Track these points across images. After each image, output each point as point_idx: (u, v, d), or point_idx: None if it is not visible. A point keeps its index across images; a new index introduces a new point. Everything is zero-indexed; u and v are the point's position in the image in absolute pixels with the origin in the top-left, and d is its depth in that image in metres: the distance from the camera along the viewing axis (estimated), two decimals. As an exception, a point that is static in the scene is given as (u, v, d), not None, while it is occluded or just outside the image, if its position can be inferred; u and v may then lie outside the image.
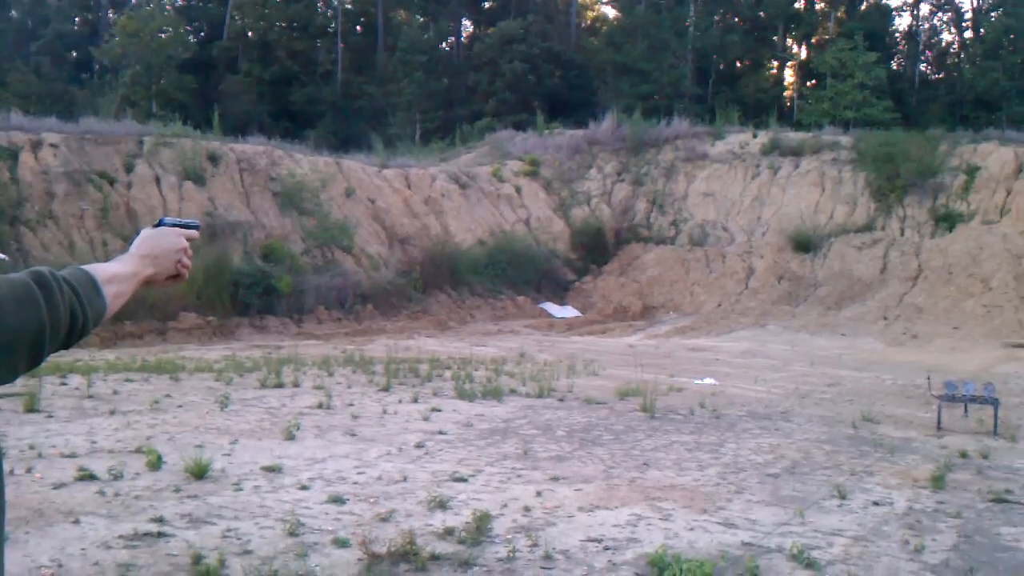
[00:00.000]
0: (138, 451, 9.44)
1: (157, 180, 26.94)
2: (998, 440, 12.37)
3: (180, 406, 12.48)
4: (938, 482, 9.53)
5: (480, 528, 7.19)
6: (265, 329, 25.09)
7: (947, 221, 33.39)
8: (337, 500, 7.98)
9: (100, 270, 2.01)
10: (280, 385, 14.91)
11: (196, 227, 2.30)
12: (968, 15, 58.67)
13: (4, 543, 1.85)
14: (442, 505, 7.90)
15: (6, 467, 8.01)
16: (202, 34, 61.84)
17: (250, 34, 60.57)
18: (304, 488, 8.40)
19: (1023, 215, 32.14)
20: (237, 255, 25.83)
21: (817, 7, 60.59)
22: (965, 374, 18.23)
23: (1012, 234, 31.50)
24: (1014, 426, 13.27)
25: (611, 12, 67.61)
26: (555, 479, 9.14)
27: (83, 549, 6.40)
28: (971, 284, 30.18)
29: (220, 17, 60.17)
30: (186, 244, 2.24)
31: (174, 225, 2.25)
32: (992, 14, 55.10)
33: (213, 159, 28.74)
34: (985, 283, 29.97)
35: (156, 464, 8.81)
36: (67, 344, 1.90)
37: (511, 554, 6.69)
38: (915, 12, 61.18)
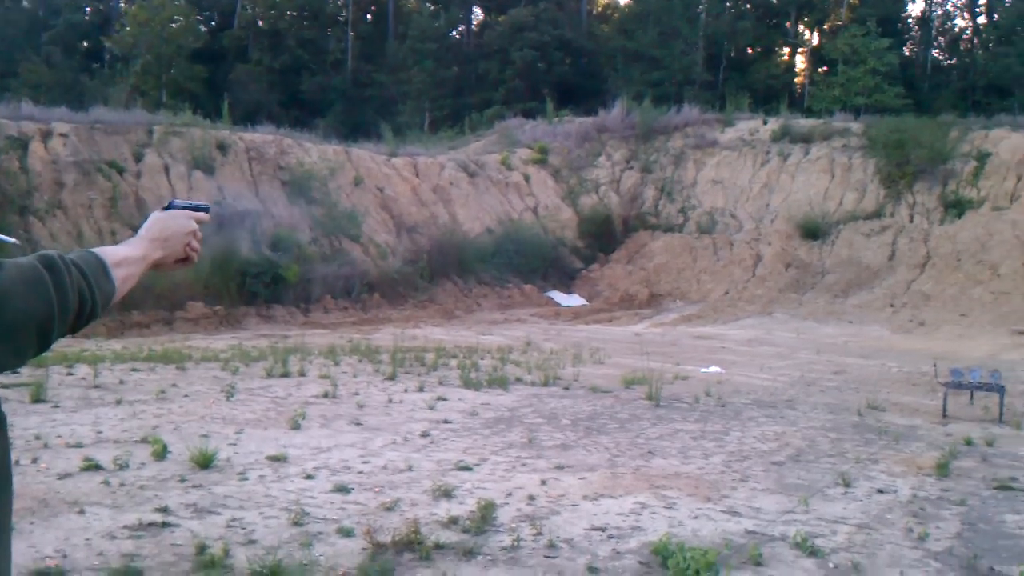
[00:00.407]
0: (144, 441, 9.48)
1: (166, 169, 27.01)
2: (1004, 427, 12.36)
3: (186, 396, 12.52)
4: (943, 470, 9.53)
5: (485, 517, 7.21)
6: (272, 318, 25.14)
7: (956, 208, 33.27)
8: (342, 489, 8.01)
9: (109, 253, 2.00)
10: (286, 374, 14.94)
11: (207, 209, 2.29)
12: (982, 0, 58.25)
13: (10, 533, 1.86)
14: (447, 494, 7.92)
15: (12, 457, 8.05)
16: (213, 23, 61.86)
17: (260, 23, 60.56)
18: (309, 477, 8.43)
19: (1033, 202, 32.02)
20: (245, 244, 25.87)
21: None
22: (972, 361, 18.18)
23: (1022, 221, 31.37)
24: (1020, 413, 13.24)
25: (622, -1, 67.45)
26: (560, 468, 9.15)
27: (88, 539, 6.44)
28: (979, 271, 30.07)
29: (231, 6, 60.20)
30: (196, 227, 2.22)
31: (184, 207, 2.24)
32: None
33: (222, 148, 28.79)
34: (994, 270, 29.85)
35: (161, 454, 8.85)
36: (75, 328, 1.89)
37: (515, 543, 6.72)
38: (928, -3, 60.82)
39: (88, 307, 1.87)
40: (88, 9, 63.02)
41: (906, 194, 34.48)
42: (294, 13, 60.45)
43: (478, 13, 66.94)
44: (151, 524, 6.84)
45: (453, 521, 7.18)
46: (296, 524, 6.98)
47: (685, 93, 49.35)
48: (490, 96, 54.27)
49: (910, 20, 60.81)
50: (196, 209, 2.23)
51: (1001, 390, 12.99)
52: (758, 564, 6.51)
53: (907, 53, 57.45)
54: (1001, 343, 23.49)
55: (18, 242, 2.18)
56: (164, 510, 7.16)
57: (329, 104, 54.52)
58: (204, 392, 12.85)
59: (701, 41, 55.77)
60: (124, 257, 2.03)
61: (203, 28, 59.76)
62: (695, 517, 7.63)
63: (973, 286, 29.42)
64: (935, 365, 15.80)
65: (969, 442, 11.12)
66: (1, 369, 1.75)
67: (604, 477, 8.87)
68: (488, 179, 36.06)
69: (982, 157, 34.09)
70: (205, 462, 8.57)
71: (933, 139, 34.85)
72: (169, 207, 2.22)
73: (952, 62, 59.53)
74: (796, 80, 60.19)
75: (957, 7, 60.89)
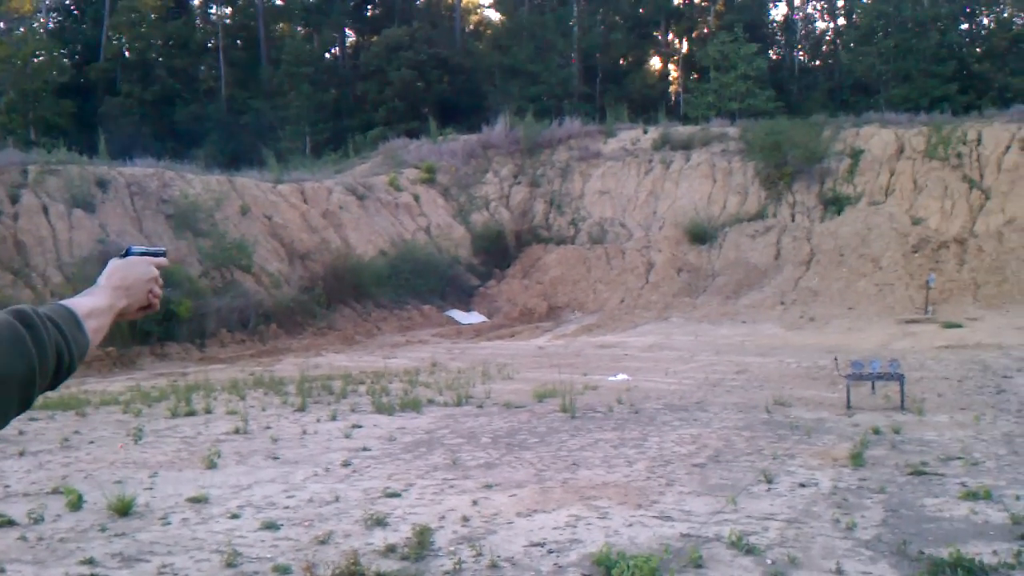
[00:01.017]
0: (56, 492, 9.11)
1: (45, 210, 26.02)
2: (906, 415, 12.80)
3: (92, 442, 12.09)
4: (857, 459, 9.82)
5: (422, 542, 7.15)
6: (167, 356, 24.43)
7: (835, 204, 34.44)
8: (271, 526, 7.84)
9: (79, 305, 1.93)
10: (192, 413, 14.55)
11: (163, 254, 2.23)
12: (840, 2, 60.53)
13: None
14: (379, 522, 7.82)
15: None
16: (77, 57, 59.95)
17: (127, 54, 59.01)
18: (235, 517, 8.22)
19: (907, 194, 33.38)
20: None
21: (696, 1, 61.82)
22: (864, 353, 18.81)
23: (898, 213, 32.69)
24: (919, 400, 13.75)
25: (495, 15, 67.94)
26: (488, 487, 9.13)
27: (14, 599, 6.16)
28: (862, 264, 31.14)
29: (96, 38, 58.48)
30: (157, 273, 2.16)
31: (142, 254, 2.17)
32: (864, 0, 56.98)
33: (102, 184, 27.89)
34: (875, 262, 30.96)
35: (77, 504, 8.52)
36: (53, 384, 1.82)
37: (457, 566, 6.68)
38: (790, 2, 63.00)
39: (65, 362, 1.81)
40: (-56, 47, 60.50)
41: (786, 194, 35.54)
42: (162, 43, 59.08)
43: (351, 35, 66.56)
44: (79, 578, 6.59)
45: (391, 549, 7.10)
46: (230, 565, 6.81)
47: (564, 106, 49.94)
48: (371, 117, 53.98)
49: (774, 24, 62.91)
50: (153, 255, 2.18)
51: (901, 379, 13.47)
52: (699, 567, 6.61)
53: (774, 57, 59.29)
54: (889, 333, 24.38)
55: None
56: (90, 562, 6.90)
57: (205, 133, 53.33)
58: (110, 437, 12.42)
59: (576, 54, 56.55)
60: (93, 308, 1.97)
61: (67, 62, 57.87)
62: (629, 525, 7.70)
63: (857, 279, 30.46)
64: (836, 358, 16.30)
65: (877, 431, 11.49)
66: None
67: (534, 492, 8.88)
68: (377, 201, 35.82)
69: (855, 154, 35.40)
70: (124, 509, 8.29)
71: (807, 139, 36.03)
72: (127, 254, 2.16)
73: (818, 64, 61.72)
74: (671, 89, 61.51)
75: (818, 10, 63.26)
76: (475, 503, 8.47)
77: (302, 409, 14.64)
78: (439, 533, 7.50)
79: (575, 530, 7.58)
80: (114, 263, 2.13)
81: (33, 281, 23.78)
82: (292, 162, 42.46)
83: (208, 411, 14.72)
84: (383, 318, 30.38)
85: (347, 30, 65.84)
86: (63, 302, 1.92)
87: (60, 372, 1.81)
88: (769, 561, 6.70)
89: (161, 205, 28.96)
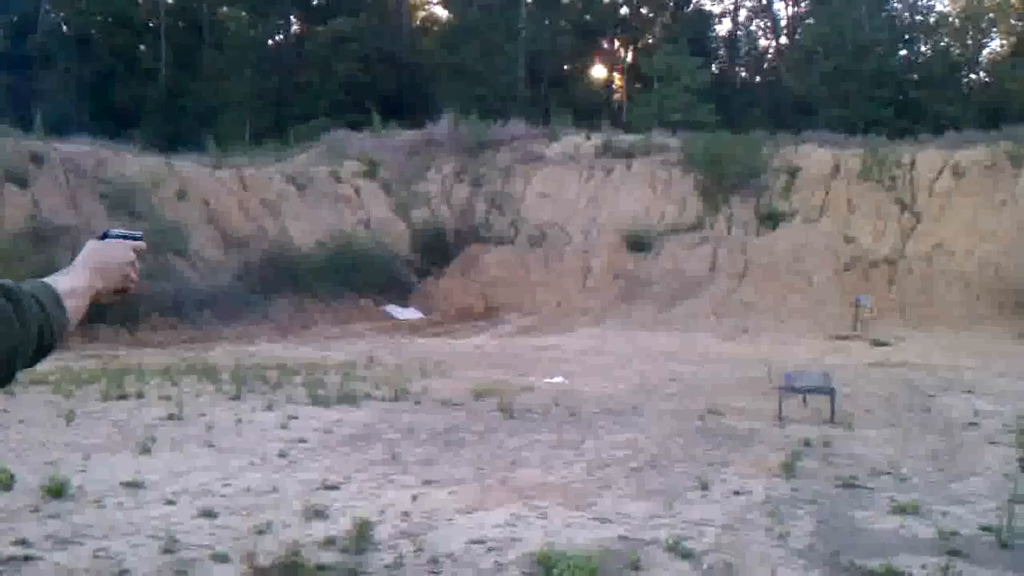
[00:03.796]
0: (-15, 470, 8.92)
1: (-25, 182, 25.42)
2: (836, 428, 13.07)
3: (21, 421, 11.84)
4: (789, 470, 10.02)
5: (362, 536, 7.15)
6: (97, 338, 23.88)
7: (771, 220, 34.95)
8: (208, 514, 7.77)
9: (59, 283, 1.91)
10: (124, 397, 14.32)
11: (141, 238, 2.22)
12: (784, 22, 61.66)
13: None
14: (318, 514, 7.81)
15: None
16: (12, 28, 58.41)
17: (65, 28, 57.75)
18: (170, 503, 8.15)
19: (841, 213, 34.01)
20: (64, 261, 24.51)
21: (642, 12, 62.42)
22: (795, 366, 19.12)
23: (831, 232, 33.30)
24: (848, 414, 14.04)
25: (443, 13, 67.77)
26: (427, 482, 9.15)
27: (-55, 578, 6.04)
28: (795, 280, 31.69)
29: (34, 10, 57.12)
30: (134, 257, 2.15)
31: (120, 237, 2.16)
32: (807, 20, 58.01)
33: (36, 160, 27.24)
34: (808, 279, 31.53)
35: (8, 483, 8.36)
36: (33, 362, 1.80)
37: (398, 560, 6.70)
38: (735, 19, 63.96)
39: (47, 340, 1.80)
40: None
41: (723, 207, 35.97)
42: (102, 19, 57.90)
43: (297, 23, 65.87)
44: (12, 558, 6.49)
45: (330, 542, 7.10)
46: (167, 552, 6.76)
47: (509, 108, 49.96)
48: (313, 107, 53.40)
49: (718, 40, 63.73)
50: (131, 239, 2.18)
51: (832, 392, 13.75)
52: (637, 569, 6.71)
53: (716, 72, 60.06)
54: (820, 348, 24.82)
55: None
56: (23, 543, 6.79)
57: (143, 114, 52.47)
58: (40, 417, 12.17)
59: (523, 57, 56.68)
60: (73, 288, 1.96)
61: (2, 32, 56.41)
62: (568, 525, 7.78)
63: (790, 294, 30.99)
64: (769, 370, 16.55)
65: (808, 443, 11.71)
66: None
67: (473, 490, 8.93)
68: (318, 192, 35.50)
69: (792, 172, 35.97)
70: (57, 490, 8.17)
71: (746, 155, 36.50)
72: (104, 236, 2.15)
73: (759, 81, 62.72)
74: (615, 97, 61.98)
75: (761, 28, 64.30)
76: (415, 498, 8.48)
77: (237, 398, 14.49)
78: (379, 527, 7.50)
79: (515, 529, 7.64)
80: (92, 244, 2.11)
81: (-40, 255, 23.18)
82: (231, 148, 41.82)
83: (140, 395, 14.49)
84: (319, 310, 30.15)
85: (292, 18, 65.15)
86: (44, 280, 1.91)
87: (41, 350, 1.79)
88: (705, 566, 6.82)
89: (97, 184, 28.40)
